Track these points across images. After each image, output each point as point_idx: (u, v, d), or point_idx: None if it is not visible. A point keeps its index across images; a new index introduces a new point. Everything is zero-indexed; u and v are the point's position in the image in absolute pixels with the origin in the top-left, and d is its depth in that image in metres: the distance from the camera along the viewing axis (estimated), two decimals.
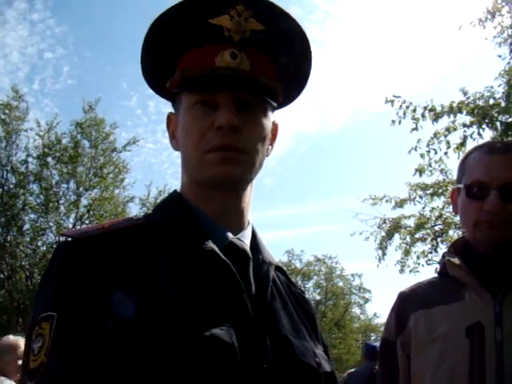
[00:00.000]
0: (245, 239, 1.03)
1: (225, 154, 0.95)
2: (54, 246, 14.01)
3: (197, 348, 0.83)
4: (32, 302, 13.04)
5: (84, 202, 14.69)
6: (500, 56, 7.27)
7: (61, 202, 14.44)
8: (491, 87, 6.95)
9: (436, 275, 1.61)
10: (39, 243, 14.32)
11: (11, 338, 3.57)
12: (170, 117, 1.10)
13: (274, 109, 1.07)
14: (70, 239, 0.94)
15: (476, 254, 1.49)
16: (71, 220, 14.58)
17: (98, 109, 14.99)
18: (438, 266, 1.60)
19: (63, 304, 0.85)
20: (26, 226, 14.29)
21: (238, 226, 1.04)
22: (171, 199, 1.06)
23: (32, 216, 14.34)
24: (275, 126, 1.10)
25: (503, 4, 6.84)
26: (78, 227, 14.56)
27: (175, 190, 1.08)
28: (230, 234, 1.00)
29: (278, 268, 1.10)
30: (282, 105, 1.12)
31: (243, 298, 0.92)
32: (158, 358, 0.81)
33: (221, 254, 0.94)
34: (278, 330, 0.96)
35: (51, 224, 14.29)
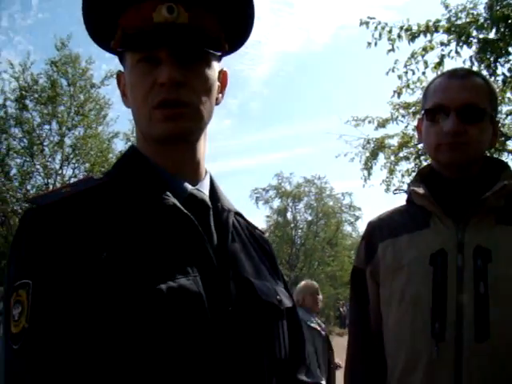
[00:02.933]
0: (203, 189, 1.07)
1: (169, 111, 0.98)
2: (44, 189, 14.04)
3: (166, 300, 0.87)
4: None
5: (68, 141, 14.53)
6: None
7: (45, 143, 14.28)
8: None
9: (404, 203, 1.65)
10: (28, 187, 14.28)
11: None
12: (119, 75, 1.11)
13: (219, 58, 1.08)
14: (34, 206, 0.96)
15: (440, 182, 1.53)
16: (57, 161, 14.51)
17: (74, 43, 14.57)
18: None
19: (37, 271, 0.87)
20: (13, 171, 14.21)
21: (196, 177, 1.08)
22: (129, 155, 1.09)
23: (18, 161, 14.25)
24: (223, 74, 1.13)
25: None
26: (65, 168, 14.56)
27: (132, 146, 1.12)
28: (188, 186, 1.04)
29: (238, 214, 1.16)
30: (230, 51, 1.14)
31: (206, 248, 0.97)
32: (128, 313, 0.85)
33: (182, 208, 0.98)
34: (240, 274, 1.02)
35: (38, 167, 14.22)
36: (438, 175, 1.55)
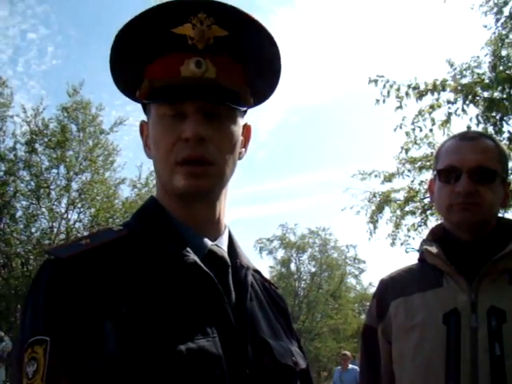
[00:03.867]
0: (222, 245, 1.05)
1: (193, 169, 0.96)
2: (48, 232, 14.06)
3: (186, 361, 0.85)
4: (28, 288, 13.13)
5: (75, 186, 14.67)
6: (485, 26, 7.22)
7: (52, 187, 14.40)
8: (477, 57, 6.95)
9: (416, 262, 1.65)
10: (33, 229, 14.33)
11: None
12: (142, 125, 1.11)
13: (244, 112, 1.07)
14: (53, 257, 0.93)
15: (453, 241, 1.53)
16: (63, 205, 14.59)
17: (85, 89, 14.92)
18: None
19: (56, 328, 0.84)
20: (19, 213, 14.29)
21: (216, 232, 1.06)
22: (149, 207, 1.08)
23: (24, 203, 14.34)
24: (247, 129, 1.11)
25: None
26: (71, 212, 14.61)
27: (152, 197, 1.10)
28: (208, 242, 1.02)
29: (256, 271, 1.14)
30: (254, 104, 1.12)
31: (225, 308, 0.95)
32: (147, 375, 0.83)
33: (203, 266, 0.96)
34: (257, 334, 1.00)
35: (43, 210, 14.29)
36: (450, 235, 1.56)
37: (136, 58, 1.03)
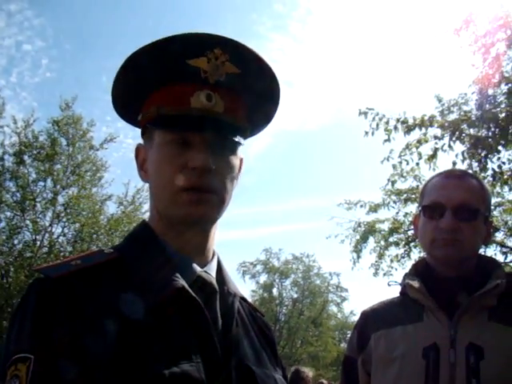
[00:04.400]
0: (211, 271, 1.07)
1: (198, 196, 0.99)
2: (30, 245, 13.90)
3: None
4: (8, 300, 12.94)
5: (61, 200, 14.52)
6: (473, 65, 7.41)
7: (37, 200, 14.25)
8: (465, 94, 7.12)
9: (398, 295, 1.69)
10: (15, 241, 14.11)
11: None
12: (139, 149, 1.12)
13: (242, 145, 1.10)
14: (43, 276, 0.94)
15: (435, 276, 1.58)
16: (48, 218, 14.44)
17: (77, 103, 14.86)
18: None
19: (40, 348, 0.85)
20: (2, 224, 14.10)
21: (205, 259, 1.07)
22: (140, 232, 1.09)
23: (8, 214, 14.15)
24: (241, 161, 1.14)
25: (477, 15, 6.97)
26: (55, 226, 14.48)
27: (144, 222, 1.11)
28: (197, 268, 1.03)
29: (243, 298, 1.15)
30: (249, 135, 1.16)
31: (211, 334, 0.96)
32: None
33: (191, 292, 0.97)
34: (241, 361, 1.00)
35: (28, 222, 14.14)
36: (432, 270, 1.60)
37: (143, 82, 1.04)
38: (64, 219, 14.60)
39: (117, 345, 0.86)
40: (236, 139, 1.04)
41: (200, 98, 1.00)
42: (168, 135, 1.01)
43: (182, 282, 0.97)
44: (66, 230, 14.69)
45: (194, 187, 0.99)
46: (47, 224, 14.38)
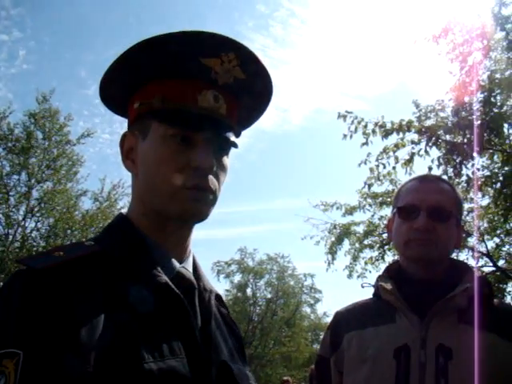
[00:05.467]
0: (189, 268, 1.08)
1: (199, 194, 0.99)
2: (2, 239, 13.69)
3: (155, 380, 0.86)
4: None
5: (35, 194, 14.36)
6: (451, 72, 7.55)
7: (11, 193, 14.07)
8: (442, 101, 7.23)
9: (371, 296, 1.72)
10: None
11: None
12: (126, 136, 1.09)
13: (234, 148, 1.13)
14: (24, 268, 0.91)
15: (407, 279, 1.61)
16: (21, 212, 14.25)
17: (55, 97, 14.68)
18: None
19: (29, 343, 0.82)
20: None
21: (183, 255, 1.08)
22: (120, 226, 1.08)
23: None
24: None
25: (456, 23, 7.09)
26: (28, 220, 14.29)
27: (122, 215, 1.10)
28: (176, 264, 1.04)
29: (217, 295, 1.16)
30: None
31: (193, 330, 0.98)
32: None
33: (174, 288, 0.97)
34: (219, 357, 1.02)
35: (0, 216, 13.94)
36: (405, 273, 1.64)
37: (147, 70, 1.03)
38: (38, 214, 14.44)
39: (102, 338, 0.85)
40: (233, 142, 1.06)
41: (207, 97, 1.00)
42: (170, 129, 1.00)
43: (164, 277, 0.98)
44: (39, 225, 14.56)
45: (197, 187, 0.99)
46: (20, 218, 14.22)
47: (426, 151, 6.63)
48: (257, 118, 1.20)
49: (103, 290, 0.91)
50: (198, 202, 1.00)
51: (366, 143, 6.74)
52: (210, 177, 1.01)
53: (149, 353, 0.88)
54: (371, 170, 7.15)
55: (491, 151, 7.27)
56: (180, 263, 1.06)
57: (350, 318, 1.68)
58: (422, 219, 1.57)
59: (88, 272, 0.93)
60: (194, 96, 1.00)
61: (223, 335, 1.10)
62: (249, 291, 27.43)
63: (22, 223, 14.24)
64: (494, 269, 9.06)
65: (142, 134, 1.05)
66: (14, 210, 14.16)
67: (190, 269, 1.08)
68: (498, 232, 9.14)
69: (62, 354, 0.82)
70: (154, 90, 1.03)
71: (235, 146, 1.07)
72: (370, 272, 9.77)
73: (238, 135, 1.10)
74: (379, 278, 1.69)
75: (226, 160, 1.07)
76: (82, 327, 0.84)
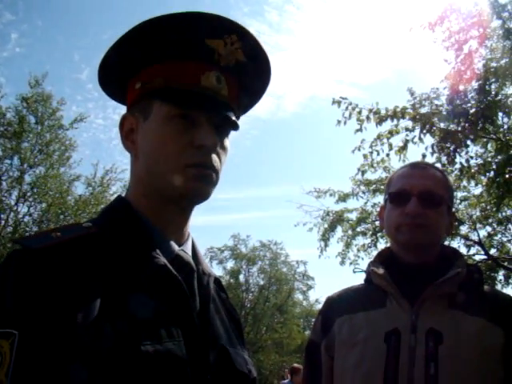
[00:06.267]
0: (188, 251, 1.07)
1: (204, 171, 1.00)
2: None
3: (152, 362, 0.86)
4: None
5: (28, 179, 14.30)
6: (446, 60, 7.53)
7: (3, 178, 14.01)
8: (437, 89, 7.22)
9: (363, 282, 1.73)
10: None
11: None
12: (125, 117, 1.08)
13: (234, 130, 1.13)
14: (22, 247, 0.91)
15: (398, 264, 1.62)
16: (13, 197, 14.20)
17: (47, 81, 14.59)
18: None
19: (25, 323, 0.81)
20: None
21: (182, 238, 1.07)
22: (119, 208, 1.07)
23: None
24: None
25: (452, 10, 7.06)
26: (21, 205, 14.23)
27: (121, 197, 1.10)
28: (175, 246, 1.03)
29: (216, 279, 1.16)
30: None
31: (191, 313, 0.97)
32: (114, 374, 0.82)
33: (172, 270, 0.97)
34: (217, 341, 1.03)
35: None
36: (396, 258, 1.65)
37: (155, 49, 1.02)
38: (30, 199, 14.38)
39: (100, 319, 0.84)
40: (234, 122, 1.06)
41: (210, 78, 1.01)
42: (173, 110, 1.00)
43: (163, 259, 0.97)
44: (32, 210, 14.52)
45: (201, 165, 1.00)
46: (13, 203, 14.17)
47: (420, 138, 6.64)
48: (254, 102, 1.20)
49: (98, 270, 0.90)
50: (202, 181, 1.00)
51: (360, 129, 6.73)
52: (213, 155, 1.01)
53: (146, 335, 0.87)
54: (365, 156, 7.15)
55: (485, 139, 7.29)
56: (179, 246, 1.05)
57: (341, 303, 1.69)
58: (413, 204, 1.57)
59: (85, 253, 0.92)
60: (197, 77, 1.00)
61: (222, 319, 1.10)
62: (241, 278, 27.60)
63: (15, 208, 14.20)
64: (485, 257, 9.13)
65: (144, 115, 1.04)
66: (6, 194, 14.13)
67: (189, 252, 1.08)
68: (490, 221, 9.19)
69: (58, 335, 0.81)
70: (156, 72, 1.02)
71: (236, 127, 1.07)
72: (363, 259, 9.83)
73: (237, 118, 1.10)
74: (371, 264, 1.70)
75: (227, 141, 1.07)
76: (78, 307, 0.83)
